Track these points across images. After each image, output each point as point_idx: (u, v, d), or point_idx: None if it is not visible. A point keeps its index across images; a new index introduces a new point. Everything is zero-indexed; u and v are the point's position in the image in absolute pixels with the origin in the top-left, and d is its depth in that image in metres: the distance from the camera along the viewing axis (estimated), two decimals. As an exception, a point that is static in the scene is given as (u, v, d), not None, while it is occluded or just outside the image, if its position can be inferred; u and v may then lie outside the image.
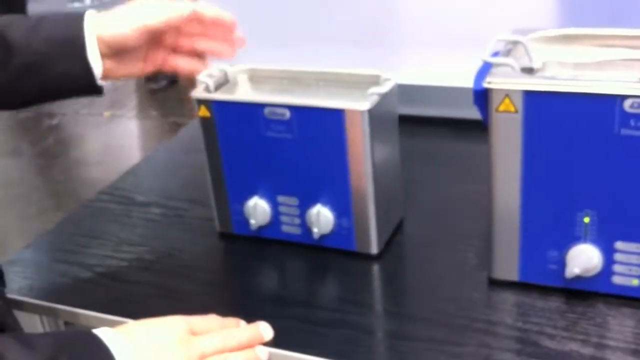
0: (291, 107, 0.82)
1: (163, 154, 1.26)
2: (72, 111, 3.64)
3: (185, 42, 0.88)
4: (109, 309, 0.83)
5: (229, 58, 0.89)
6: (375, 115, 0.81)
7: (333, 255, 0.88)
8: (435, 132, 1.19)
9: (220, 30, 0.87)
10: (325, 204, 0.85)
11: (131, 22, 0.81)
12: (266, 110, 0.83)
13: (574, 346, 0.72)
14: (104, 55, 0.82)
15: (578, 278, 0.75)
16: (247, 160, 0.87)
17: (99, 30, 0.81)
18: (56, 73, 0.81)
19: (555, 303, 0.77)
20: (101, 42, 0.81)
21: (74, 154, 3.33)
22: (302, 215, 0.87)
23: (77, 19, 0.81)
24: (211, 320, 0.76)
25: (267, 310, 0.81)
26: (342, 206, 0.85)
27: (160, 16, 0.82)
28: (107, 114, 3.61)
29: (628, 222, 0.72)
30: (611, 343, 0.72)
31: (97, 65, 0.81)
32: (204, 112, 0.87)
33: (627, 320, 0.74)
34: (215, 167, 0.90)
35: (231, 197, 0.91)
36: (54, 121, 3.60)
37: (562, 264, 0.76)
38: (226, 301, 0.85)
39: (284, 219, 0.89)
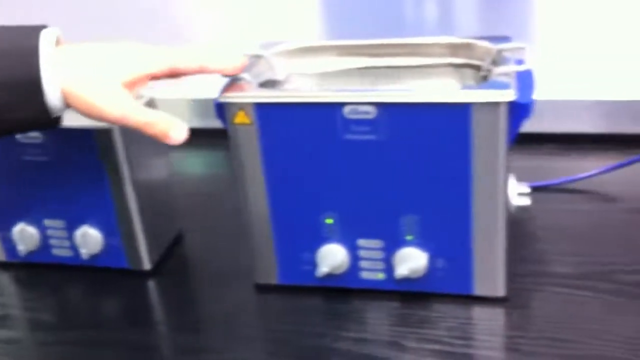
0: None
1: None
2: None
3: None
4: None
5: None
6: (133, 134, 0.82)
7: (108, 274, 0.88)
8: (215, 144, 1.20)
9: None
10: (92, 224, 0.86)
11: (94, 112, 0.68)
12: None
13: (328, 342, 0.75)
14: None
15: (330, 276, 0.79)
16: (8, 185, 0.86)
17: (62, 83, 0.67)
18: (12, 119, 0.67)
19: (313, 302, 0.81)
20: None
21: None
22: (71, 237, 0.87)
23: (30, 55, 0.65)
24: None
25: (46, 337, 0.80)
26: (109, 225, 0.85)
27: (126, 107, 0.69)
28: None
29: (366, 221, 0.76)
30: (367, 336, 0.75)
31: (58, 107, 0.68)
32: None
33: (378, 313, 0.78)
34: (-22, 194, 0.88)
35: (-2, 225, 0.89)
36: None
37: (314, 264, 0.80)
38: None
39: (53, 242, 0.88)
